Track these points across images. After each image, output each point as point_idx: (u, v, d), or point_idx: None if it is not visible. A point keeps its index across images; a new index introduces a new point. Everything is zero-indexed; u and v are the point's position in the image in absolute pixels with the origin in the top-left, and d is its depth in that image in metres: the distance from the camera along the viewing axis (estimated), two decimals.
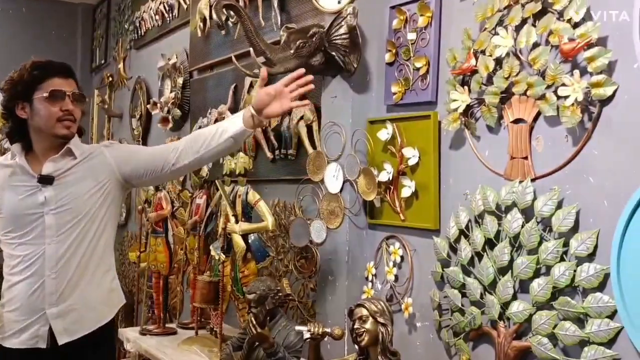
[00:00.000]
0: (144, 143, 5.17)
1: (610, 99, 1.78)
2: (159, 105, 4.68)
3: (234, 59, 2.61)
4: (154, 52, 5.12)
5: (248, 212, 2.95)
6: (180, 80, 4.42)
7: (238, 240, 2.91)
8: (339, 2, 2.73)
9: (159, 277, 3.83)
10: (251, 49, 2.54)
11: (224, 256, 2.97)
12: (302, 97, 2.24)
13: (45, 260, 2.24)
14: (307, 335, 2.26)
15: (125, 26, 5.77)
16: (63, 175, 2.26)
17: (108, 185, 2.32)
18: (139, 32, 5.39)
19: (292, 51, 2.58)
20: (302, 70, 2.25)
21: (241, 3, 3.50)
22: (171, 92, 4.54)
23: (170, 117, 4.51)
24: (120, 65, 5.82)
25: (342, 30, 2.59)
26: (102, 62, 6.37)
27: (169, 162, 2.30)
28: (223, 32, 2.93)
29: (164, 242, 3.76)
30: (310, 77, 2.23)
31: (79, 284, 2.28)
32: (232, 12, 2.61)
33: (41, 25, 6.53)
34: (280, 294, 2.46)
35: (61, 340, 2.26)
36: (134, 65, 5.66)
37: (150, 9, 5.08)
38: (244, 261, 2.94)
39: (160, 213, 3.72)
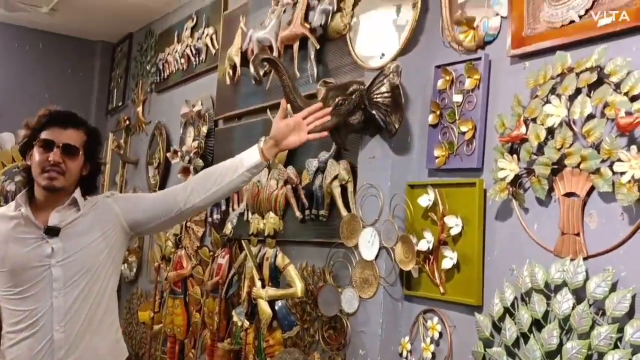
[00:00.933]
0: None
1: None
2: (179, 154, 4.83)
3: (269, 113, 2.74)
4: (176, 96, 5.30)
5: (276, 277, 3.03)
6: (204, 129, 4.57)
7: (264, 307, 2.99)
8: (381, 58, 2.87)
9: (175, 342, 3.91)
10: (288, 105, 2.67)
11: (247, 323, 3.05)
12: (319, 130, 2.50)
13: (53, 313, 2.35)
14: None
15: (147, 67, 5.98)
16: (68, 226, 2.40)
17: (114, 235, 2.45)
18: (162, 74, 5.59)
19: (330, 108, 2.71)
20: (319, 104, 2.41)
21: (275, 53, 3.66)
22: (194, 140, 4.69)
23: (191, 167, 4.64)
24: (139, 109, 6.01)
25: (384, 88, 2.72)
26: (120, 104, 6.58)
27: (179, 203, 2.43)
28: (259, 85, 3.06)
29: (182, 304, 3.85)
30: (327, 109, 2.41)
31: (85, 336, 2.40)
32: (269, 65, 2.74)
33: (58, 62, 6.78)
34: None
35: None
36: (154, 109, 5.84)
37: (176, 52, 5.28)
38: (269, 330, 3.01)
39: (180, 272, 3.82)
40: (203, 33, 4.87)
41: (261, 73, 2.64)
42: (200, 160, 4.55)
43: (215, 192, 2.43)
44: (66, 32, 6.74)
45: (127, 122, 6.27)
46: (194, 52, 5.01)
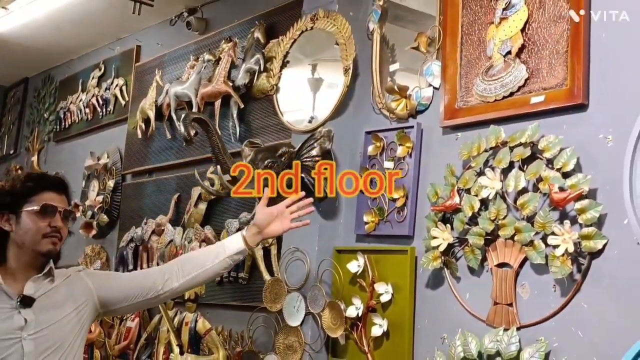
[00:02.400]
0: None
1: (600, 252, 2.02)
2: (81, 208, 4.73)
3: (197, 174, 2.77)
4: (78, 147, 5.22)
5: (196, 343, 3.01)
6: (110, 183, 4.52)
7: None
8: (310, 122, 2.96)
9: None
10: (218, 166, 2.70)
11: None
12: None
13: None
14: None
15: (45, 115, 5.85)
16: (42, 297, 2.31)
17: (85, 310, 2.38)
18: (62, 123, 5.47)
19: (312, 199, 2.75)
20: (302, 193, 2.52)
21: (194, 109, 3.70)
22: (98, 195, 4.62)
23: (94, 222, 4.56)
24: (34, 158, 5.84)
25: (315, 152, 2.80)
26: (11, 151, 6.35)
27: (157, 286, 2.41)
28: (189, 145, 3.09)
29: None
30: (310, 199, 2.50)
31: None
32: (199, 125, 2.78)
33: None
34: None
35: None
36: (51, 159, 5.70)
37: (80, 101, 5.20)
38: None
39: (87, 337, 3.70)
40: (112, 83, 4.84)
41: (192, 133, 2.67)
42: (105, 216, 4.49)
43: (195, 277, 2.44)
44: None
45: (19, 171, 6.07)
46: (100, 102, 4.96)
